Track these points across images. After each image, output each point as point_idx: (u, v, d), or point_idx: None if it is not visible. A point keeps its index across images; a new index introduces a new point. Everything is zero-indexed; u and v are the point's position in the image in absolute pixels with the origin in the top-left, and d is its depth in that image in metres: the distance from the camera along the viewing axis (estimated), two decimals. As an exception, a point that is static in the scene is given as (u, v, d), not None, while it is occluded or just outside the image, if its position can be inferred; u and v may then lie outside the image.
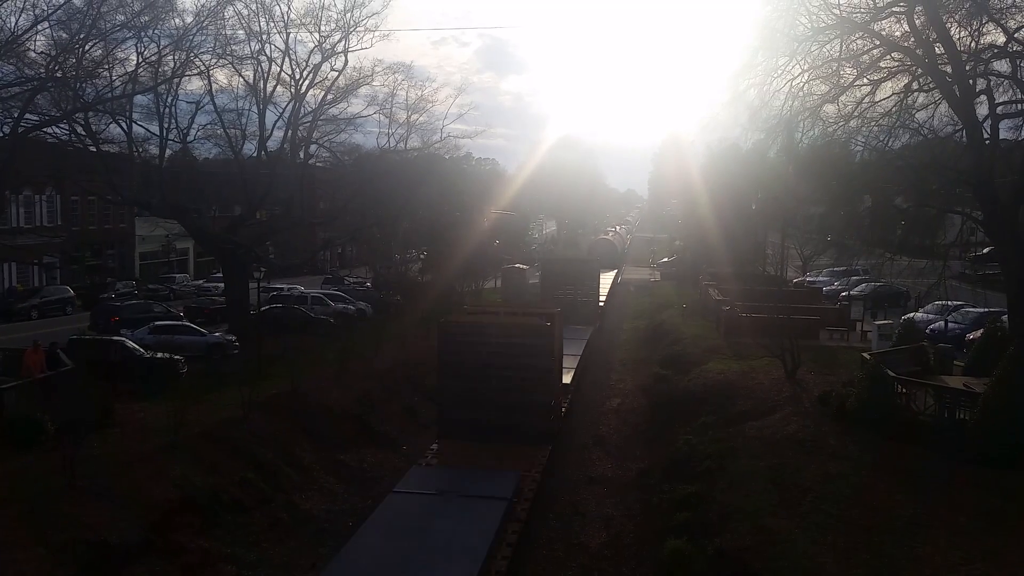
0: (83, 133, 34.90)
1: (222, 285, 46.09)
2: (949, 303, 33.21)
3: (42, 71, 30.97)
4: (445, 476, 19.06)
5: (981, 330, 27.79)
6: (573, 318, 38.06)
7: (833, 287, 52.99)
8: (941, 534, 15.80)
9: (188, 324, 37.18)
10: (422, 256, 65.24)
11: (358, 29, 40.81)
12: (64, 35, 31.77)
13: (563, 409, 24.83)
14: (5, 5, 28.99)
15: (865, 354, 24.33)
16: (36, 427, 19.68)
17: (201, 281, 64.01)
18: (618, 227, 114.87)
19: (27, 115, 31.00)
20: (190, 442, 21.12)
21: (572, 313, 38.74)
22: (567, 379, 26.82)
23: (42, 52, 31.94)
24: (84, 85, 33.21)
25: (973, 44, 24.07)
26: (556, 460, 22.31)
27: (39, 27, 30.58)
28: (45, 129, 33.44)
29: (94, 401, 21.88)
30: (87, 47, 32.53)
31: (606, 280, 56.27)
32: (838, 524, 16.68)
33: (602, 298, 49.71)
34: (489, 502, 16.51)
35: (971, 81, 23.70)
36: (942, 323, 35.15)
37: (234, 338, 35.70)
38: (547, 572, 17.14)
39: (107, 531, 16.04)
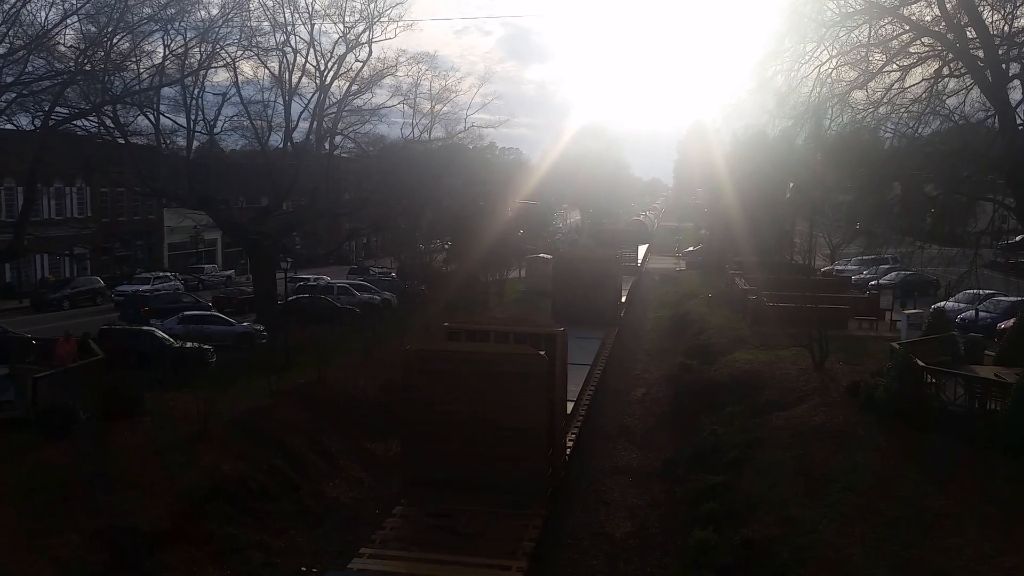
0: (112, 126, 35.30)
1: (251, 277, 46.54)
2: (980, 292, 32.72)
3: (71, 65, 31.32)
4: None
5: (1013, 319, 27.37)
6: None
7: (862, 276, 52.34)
8: (971, 525, 15.62)
9: (217, 314, 37.58)
10: (446, 246, 65.39)
11: (382, 19, 40.90)
12: (93, 29, 32.11)
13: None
14: (35, 0, 29.35)
15: (894, 344, 24.04)
16: (68, 416, 20.00)
17: (231, 272, 64.64)
18: (648, 212, 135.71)
19: (57, 108, 31.38)
20: (219, 430, 21.40)
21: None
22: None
23: (71, 46, 32.33)
24: (112, 78, 33.57)
25: (1006, 28, 23.62)
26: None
27: (68, 21, 30.97)
28: (75, 122, 33.84)
29: (124, 391, 22.23)
30: (115, 40, 32.86)
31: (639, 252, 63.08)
32: (866, 515, 16.55)
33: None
34: None
35: (1004, 65, 23.28)
36: (973, 312, 34.63)
37: (262, 328, 36.05)
38: (573, 562, 17.19)
39: (138, 518, 16.31)
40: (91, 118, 34.21)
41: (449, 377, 16.29)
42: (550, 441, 16.71)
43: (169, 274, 57.88)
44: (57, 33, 30.84)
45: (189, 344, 30.56)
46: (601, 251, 47.31)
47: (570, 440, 19.81)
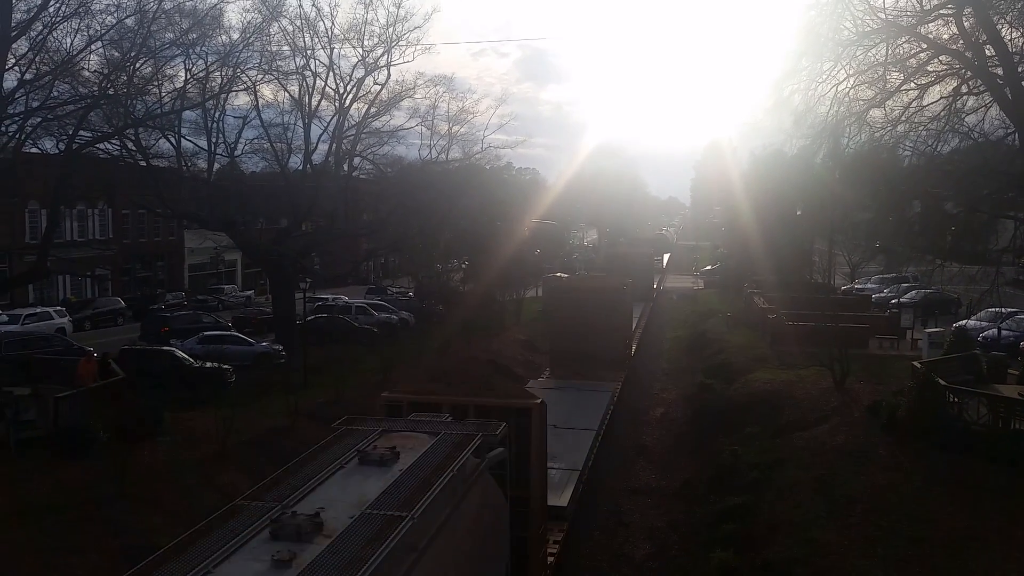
0: (134, 148, 35.78)
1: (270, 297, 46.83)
2: (1002, 310, 32.35)
3: (95, 89, 31.82)
4: None
5: (1037, 338, 27.03)
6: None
7: (882, 294, 51.93)
8: (996, 547, 15.37)
9: (236, 334, 37.82)
10: (464, 265, 65.51)
11: (400, 43, 41.37)
12: (116, 54, 32.63)
13: None
14: (61, 27, 29.88)
15: (916, 363, 23.79)
16: (89, 436, 20.15)
17: (250, 292, 65.11)
18: (668, 229, 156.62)
19: (81, 132, 31.86)
20: (238, 450, 21.49)
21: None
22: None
23: (95, 71, 32.83)
24: (135, 102, 34.06)
25: (1025, 45, 23.50)
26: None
27: (93, 47, 31.47)
28: (98, 145, 34.33)
29: (145, 410, 22.38)
30: (138, 65, 33.37)
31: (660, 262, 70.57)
32: (889, 536, 16.32)
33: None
34: None
35: (1023, 83, 23.12)
36: (995, 331, 34.26)
37: (281, 348, 36.22)
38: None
39: (158, 538, 16.35)
40: (114, 141, 34.68)
41: None
42: None
43: (182, 294, 58.57)
44: (82, 58, 31.37)
45: (208, 364, 30.74)
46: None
47: None
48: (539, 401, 13.57)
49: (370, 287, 63.51)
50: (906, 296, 47.90)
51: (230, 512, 8.58)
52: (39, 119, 30.05)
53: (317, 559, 7.02)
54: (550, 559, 14.06)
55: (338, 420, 10.91)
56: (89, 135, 33.04)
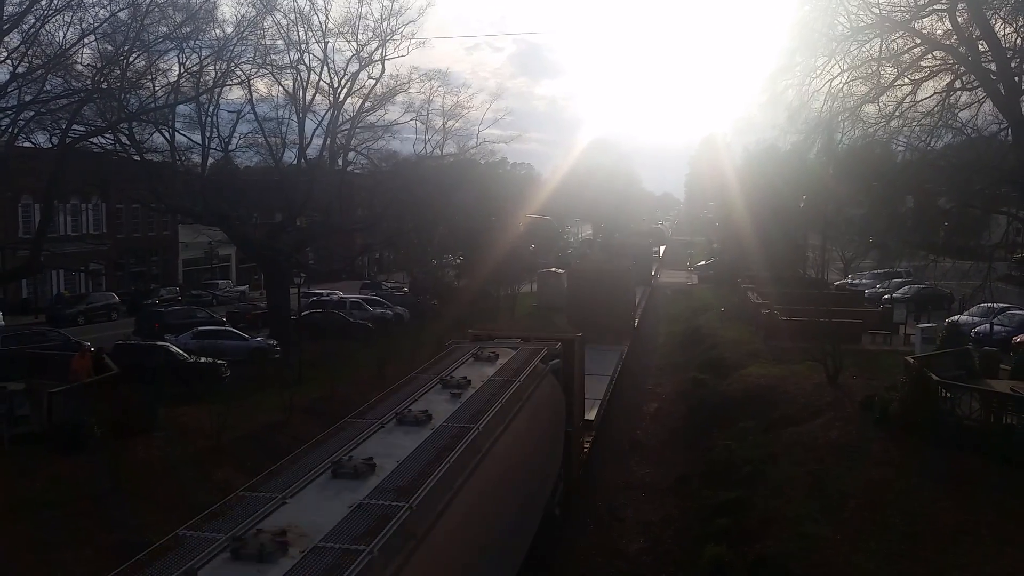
0: (127, 143, 35.65)
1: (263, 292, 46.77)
2: (995, 305, 32.50)
3: (88, 83, 31.69)
4: None
5: (1029, 333, 27.16)
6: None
7: (875, 290, 52.12)
8: (988, 542, 15.46)
9: (231, 329, 37.79)
10: (458, 261, 65.50)
11: (395, 37, 41.22)
12: (109, 48, 32.49)
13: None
14: (54, 20, 29.75)
15: (909, 358, 23.90)
16: (82, 431, 20.13)
17: (245, 287, 65.01)
18: (663, 223, 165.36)
19: (74, 126, 31.74)
20: (233, 445, 21.49)
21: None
22: None
23: (88, 65, 32.71)
24: (128, 96, 33.94)
25: (1018, 40, 23.54)
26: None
27: (86, 40, 31.34)
28: (91, 139, 34.21)
29: (138, 406, 22.36)
30: (131, 59, 33.24)
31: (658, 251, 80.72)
32: (881, 531, 16.41)
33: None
34: None
35: (1016, 78, 23.18)
36: (987, 326, 34.41)
37: (275, 343, 36.20)
38: (585, 577, 17.10)
39: (152, 533, 16.35)
40: (107, 135, 34.55)
41: None
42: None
43: (176, 289, 58.47)
44: (75, 52, 31.24)
45: (203, 359, 30.72)
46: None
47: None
48: (579, 335, 20.10)
49: (365, 282, 63.50)
50: (899, 291, 48.08)
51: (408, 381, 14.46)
52: (32, 113, 29.94)
53: (466, 402, 12.85)
54: (586, 447, 21.29)
55: (402, 377, 14.94)
56: (83, 129, 32.93)
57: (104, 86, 31.89)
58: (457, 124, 45.51)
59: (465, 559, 9.82)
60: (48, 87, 30.39)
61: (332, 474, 9.47)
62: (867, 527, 16.65)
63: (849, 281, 55.55)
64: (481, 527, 10.64)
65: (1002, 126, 24.15)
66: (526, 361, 15.65)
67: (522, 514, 13.24)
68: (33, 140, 32.17)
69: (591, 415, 22.63)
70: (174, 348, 31.03)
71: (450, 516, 9.40)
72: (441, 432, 11.23)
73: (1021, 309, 35.36)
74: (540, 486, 15.06)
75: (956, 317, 36.78)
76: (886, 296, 47.35)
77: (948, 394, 20.98)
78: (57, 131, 31.55)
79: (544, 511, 15.56)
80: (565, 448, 17.66)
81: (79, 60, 32.11)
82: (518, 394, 13.64)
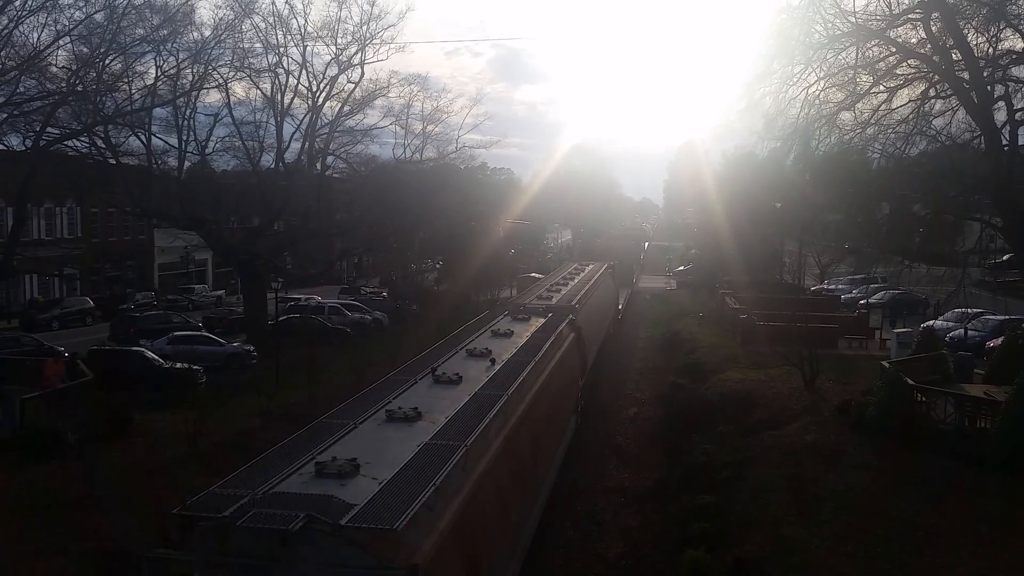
0: (103, 146, 35.31)
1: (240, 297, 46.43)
2: (969, 311, 32.92)
3: (63, 85, 31.37)
4: None
5: (1001, 338, 27.52)
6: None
7: (851, 295, 52.60)
8: (963, 544, 15.63)
9: (207, 334, 37.45)
10: (438, 265, 65.38)
11: (374, 41, 41.29)
12: (85, 50, 32.21)
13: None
14: (28, 21, 29.44)
15: (884, 362, 24.14)
16: (56, 437, 19.86)
17: (221, 292, 64.46)
18: (645, 224, 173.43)
19: (48, 128, 31.41)
20: (209, 451, 21.25)
21: None
22: None
23: (63, 67, 32.42)
24: (104, 98, 33.63)
25: (991, 50, 23.93)
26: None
27: (61, 42, 31.07)
28: (65, 142, 33.84)
29: (113, 412, 22.10)
30: (107, 61, 32.98)
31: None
32: (858, 534, 16.54)
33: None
34: None
35: (989, 87, 23.57)
36: (962, 331, 34.84)
37: (252, 348, 35.91)
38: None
39: (126, 541, 16.15)
40: (82, 138, 34.23)
41: None
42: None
43: (151, 294, 57.92)
44: (49, 54, 30.94)
45: (179, 365, 30.41)
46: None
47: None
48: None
49: (343, 287, 63.23)
50: (875, 297, 48.55)
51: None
52: (5, 115, 29.62)
53: (517, 353, 17.83)
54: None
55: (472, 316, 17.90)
56: (57, 132, 32.62)
57: (79, 88, 31.59)
58: (437, 129, 45.56)
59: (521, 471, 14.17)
60: (22, 89, 30.06)
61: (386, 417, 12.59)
62: (844, 530, 16.78)
63: (825, 286, 56.04)
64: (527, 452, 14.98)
65: (975, 134, 24.54)
66: (555, 325, 21.86)
67: (553, 438, 18.42)
68: (6, 142, 31.88)
69: (590, 362, 28.10)
70: (150, 354, 30.68)
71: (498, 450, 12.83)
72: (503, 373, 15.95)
73: (994, 314, 35.80)
74: (566, 415, 21.16)
75: (931, 322, 37.15)
76: (862, 301, 47.81)
77: (923, 398, 21.22)
78: (31, 133, 31.21)
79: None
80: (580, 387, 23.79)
81: (54, 62, 31.85)
82: (553, 347, 19.30)
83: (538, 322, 22.24)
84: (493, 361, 16.89)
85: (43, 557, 15.07)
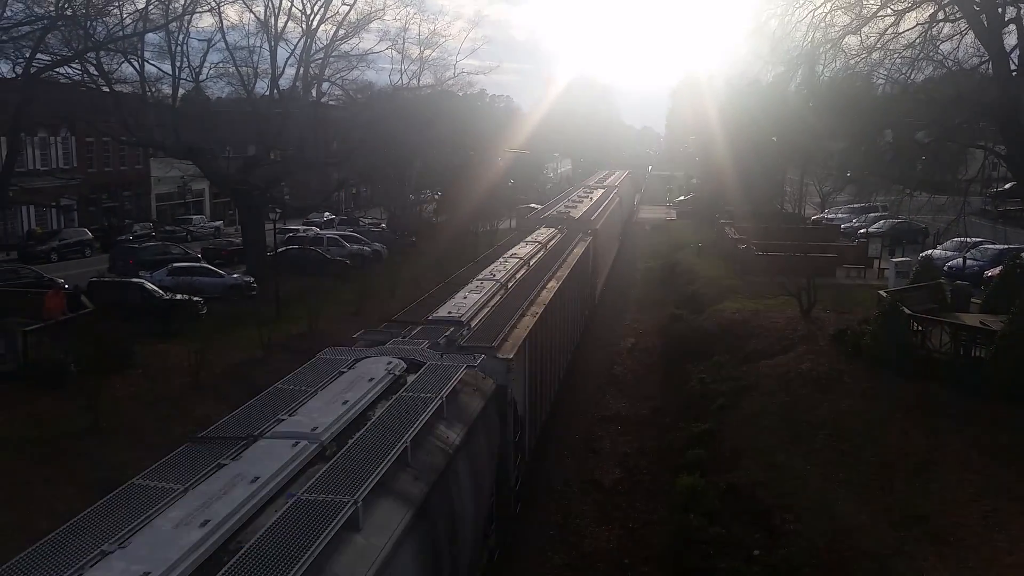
0: (95, 73, 34.64)
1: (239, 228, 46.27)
2: (968, 240, 32.84)
3: (52, 9, 30.62)
4: None
5: (1000, 267, 27.52)
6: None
7: (851, 224, 52.47)
8: (953, 470, 15.94)
9: (206, 265, 37.44)
10: (436, 196, 64.97)
11: (369, -41, 39.99)
12: (73, -28, 31.33)
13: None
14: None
15: (882, 292, 24.19)
16: (59, 369, 20.05)
17: (219, 223, 64.24)
18: (650, 150, 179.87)
19: (39, 55, 30.77)
20: (212, 381, 21.52)
21: None
22: None
23: (51, -11, 31.55)
24: (94, 24, 32.86)
25: (1002, -29, 23.25)
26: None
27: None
28: (57, 69, 33.19)
29: (115, 344, 22.23)
30: (96, -16, 32.11)
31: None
32: (850, 461, 16.85)
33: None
34: None
35: (1000, 9, 22.97)
36: (960, 260, 34.85)
37: (252, 279, 35.96)
38: (562, 508, 17.48)
39: (133, 470, 16.43)
40: (74, 65, 33.56)
41: None
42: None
43: (149, 225, 57.80)
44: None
45: (179, 296, 30.48)
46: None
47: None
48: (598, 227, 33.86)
49: (342, 218, 62.94)
50: (874, 226, 48.42)
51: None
52: (-7, 42, 28.98)
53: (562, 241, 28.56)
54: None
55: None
56: (48, 59, 31.97)
57: (69, 13, 30.84)
58: (434, 54, 44.79)
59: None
60: (9, 13, 29.37)
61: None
62: (836, 457, 17.09)
63: (825, 216, 55.84)
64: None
65: (983, 59, 24.03)
66: (575, 239, 28.93)
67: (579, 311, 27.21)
68: (-4, 70, 31.23)
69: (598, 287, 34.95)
70: (149, 285, 30.69)
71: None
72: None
73: (994, 243, 35.75)
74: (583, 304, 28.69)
75: (930, 251, 37.15)
76: (861, 231, 47.69)
77: (919, 327, 21.35)
78: (21, 60, 30.59)
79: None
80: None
81: (41, -15, 30.98)
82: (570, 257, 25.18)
83: (563, 232, 30.32)
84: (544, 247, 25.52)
85: (52, 486, 15.37)
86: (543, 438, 19.10)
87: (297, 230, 49.16)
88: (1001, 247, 34.48)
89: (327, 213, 59.82)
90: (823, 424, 18.51)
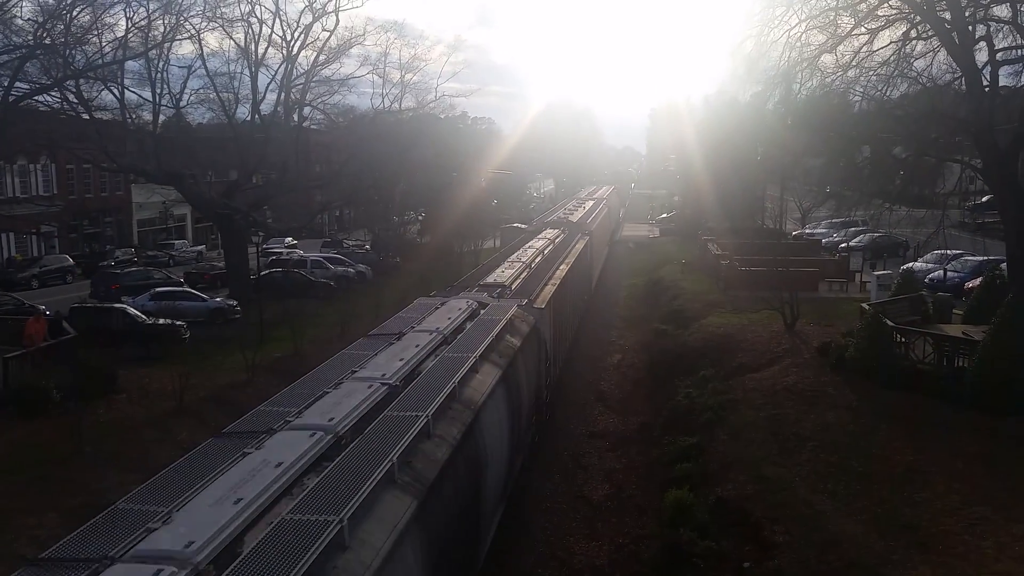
0: (75, 100, 34.58)
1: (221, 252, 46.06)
2: (948, 252, 33.22)
3: (30, 38, 30.57)
4: None
5: (980, 279, 27.85)
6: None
7: (832, 238, 52.94)
8: (939, 479, 16.03)
9: (189, 290, 37.24)
10: (420, 217, 65.03)
11: (349, -13, 40.31)
12: (51, 1, 31.34)
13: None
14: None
15: (864, 304, 24.42)
16: (42, 395, 19.84)
17: (202, 247, 63.98)
18: (632, 168, 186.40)
19: (17, 83, 30.66)
20: (195, 406, 21.33)
21: None
22: None
23: (29, 19, 31.59)
24: (74, 52, 32.85)
25: (972, -11, 23.69)
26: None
27: (25, -7, 30.17)
28: (37, 97, 33.10)
29: (98, 369, 22.06)
30: (75, 13, 32.12)
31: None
32: (837, 472, 16.91)
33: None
34: None
35: (970, 27, 23.38)
36: (941, 272, 35.22)
37: (235, 303, 35.79)
38: (551, 525, 17.41)
39: (117, 495, 16.24)
40: (53, 93, 33.49)
41: None
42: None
43: (131, 250, 57.42)
44: (13, 5, 30.11)
45: (162, 321, 30.29)
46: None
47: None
48: (593, 228, 40.54)
49: (325, 240, 62.84)
50: (855, 240, 48.89)
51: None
52: (-29, 70, 28.87)
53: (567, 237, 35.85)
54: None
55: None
56: (27, 87, 31.86)
57: (47, 41, 30.80)
58: (415, 77, 45.02)
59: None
60: (-13, 42, 29.29)
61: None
62: (823, 468, 17.15)
63: (806, 230, 56.33)
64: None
65: (956, 75, 24.41)
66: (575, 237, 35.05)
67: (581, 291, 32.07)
68: (-26, 98, 31.04)
69: (594, 278, 39.80)
70: (132, 310, 30.50)
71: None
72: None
73: (973, 255, 36.17)
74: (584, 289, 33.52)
75: (911, 264, 37.51)
76: (842, 245, 48.14)
77: (902, 339, 21.54)
78: (-1, 88, 30.45)
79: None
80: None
81: (19, 14, 30.97)
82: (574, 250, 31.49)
83: (564, 233, 36.14)
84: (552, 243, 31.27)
85: (35, 513, 15.16)
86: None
87: (280, 253, 49.02)
88: (980, 259, 34.88)
89: (288, 238, 57.41)
90: (810, 436, 18.58)
